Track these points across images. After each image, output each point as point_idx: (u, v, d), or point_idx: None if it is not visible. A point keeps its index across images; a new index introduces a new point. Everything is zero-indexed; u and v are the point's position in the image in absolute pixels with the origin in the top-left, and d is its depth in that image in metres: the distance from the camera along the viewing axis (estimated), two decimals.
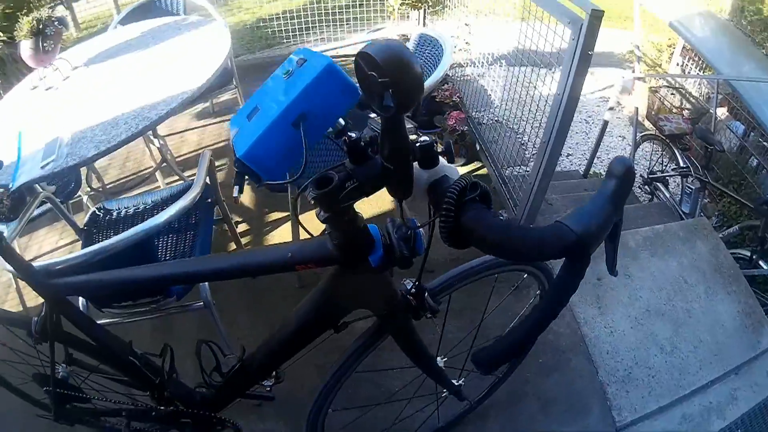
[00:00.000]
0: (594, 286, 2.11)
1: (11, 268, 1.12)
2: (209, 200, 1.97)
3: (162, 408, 1.42)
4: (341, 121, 0.83)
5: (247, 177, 0.84)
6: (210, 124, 3.33)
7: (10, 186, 1.53)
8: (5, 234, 1.84)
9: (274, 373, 1.37)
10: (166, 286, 1.55)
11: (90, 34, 3.91)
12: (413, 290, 1.07)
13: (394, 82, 0.64)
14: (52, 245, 2.75)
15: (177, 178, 2.75)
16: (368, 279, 1.00)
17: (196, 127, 3.32)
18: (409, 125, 0.80)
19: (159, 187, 2.75)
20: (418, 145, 0.77)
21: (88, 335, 1.30)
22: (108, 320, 1.71)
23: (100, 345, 1.34)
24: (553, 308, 0.75)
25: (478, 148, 2.74)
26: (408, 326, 1.19)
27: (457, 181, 0.71)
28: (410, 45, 2.08)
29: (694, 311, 2.06)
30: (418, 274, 1.04)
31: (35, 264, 1.31)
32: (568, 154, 4.26)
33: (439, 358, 1.39)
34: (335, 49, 3.74)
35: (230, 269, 1.02)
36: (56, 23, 1.90)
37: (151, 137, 2.56)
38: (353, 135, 0.78)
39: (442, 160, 0.82)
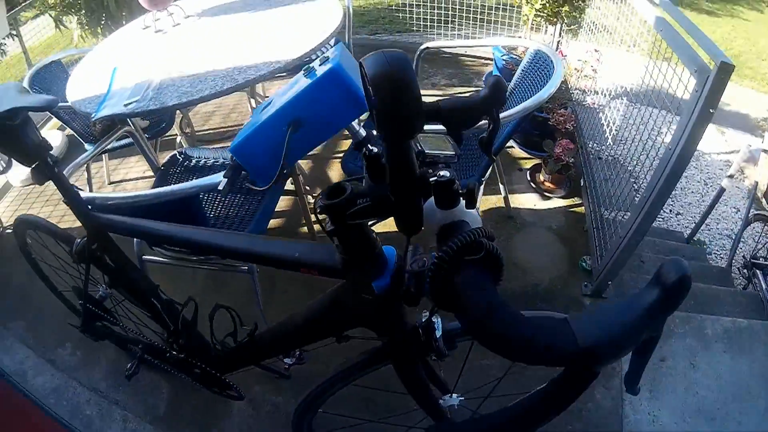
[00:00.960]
0: (655, 367, 1.90)
1: None
2: (284, 171, 1.99)
3: (173, 353, 1.47)
4: (362, 131, 0.76)
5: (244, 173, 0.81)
6: None
7: (93, 115, 1.64)
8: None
9: (297, 353, 1.35)
10: (183, 247, 1.58)
11: None
12: (425, 326, 0.96)
13: (383, 105, 0.56)
14: (137, 174, 2.97)
15: None
16: (373, 301, 0.92)
17: None
18: (447, 152, 0.70)
19: None
20: (434, 180, 0.67)
21: (120, 269, 1.37)
22: (156, 258, 1.79)
23: (129, 280, 1.41)
24: (538, 415, 0.65)
25: (582, 184, 2.56)
26: (411, 360, 1.09)
27: (465, 234, 0.62)
28: (525, 60, 1.96)
29: (745, 425, 1.79)
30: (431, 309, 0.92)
31: (95, 194, 1.41)
32: (678, 213, 3.88)
33: (451, 396, 1.29)
34: (460, 47, 3.67)
35: (235, 250, 0.99)
36: None
37: (250, 96, 2.64)
38: (374, 149, 0.71)
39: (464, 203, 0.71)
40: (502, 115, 1.58)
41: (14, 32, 3.35)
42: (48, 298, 1.87)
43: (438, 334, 0.94)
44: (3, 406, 2.08)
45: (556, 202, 2.41)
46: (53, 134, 3.39)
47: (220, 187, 0.88)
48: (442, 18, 3.67)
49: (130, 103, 1.62)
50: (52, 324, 2.14)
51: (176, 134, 2.86)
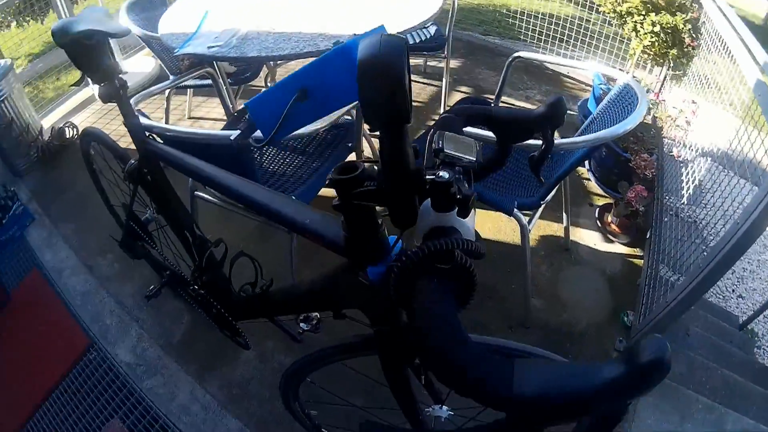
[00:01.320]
0: None
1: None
2: (349, 144, 2.02)
3: (195, 287, 1.52)
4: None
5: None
6: (416, 82, 3.33)
7: (176, 50, 1.71)
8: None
9: (314, 321, 1.35)
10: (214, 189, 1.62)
11: None
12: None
13: (362, 90, 0.53)
14: (218, 115, 3.07)
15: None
16: (367, 287, 0.88)
17: None
18: (469, 156, 0.68)
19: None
20: (431, 178, 0.63)
21: (163, 196, 1.43)
22: (206, 196, 1.85)
23: (170, 208, 1.46)
24: None
25: (647, 236, 2.43)
26: (396, 358, 1.04)
27: (443, 241, 0.59)
28: (612, 91, 1.88)
29: None
30: None
31: (152, 122, 1.48)
32: (740, 296, 3.62)
33: (441, 408, 1.26)
34: (555, 63, 3.57)
35: (253, 201, 0.99)
36: None
37: None
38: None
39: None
40: (570, 140, 1.52)
41: None
42: (101, 209, 1.97)
43: None
44: (33, 295, 2.23)
45: (617, 247, 2.30)
46: (146, 61, 3.56)
47: (232, 138, 0.88)
48: (555, 35, 3.59)
49: (213, 47, 1.68)
50: (100, 234, 2.26)
51: (261, 86, 2.93)
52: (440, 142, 0.66)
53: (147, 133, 1.32)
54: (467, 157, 0.65)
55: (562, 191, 2.01)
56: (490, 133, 0.69)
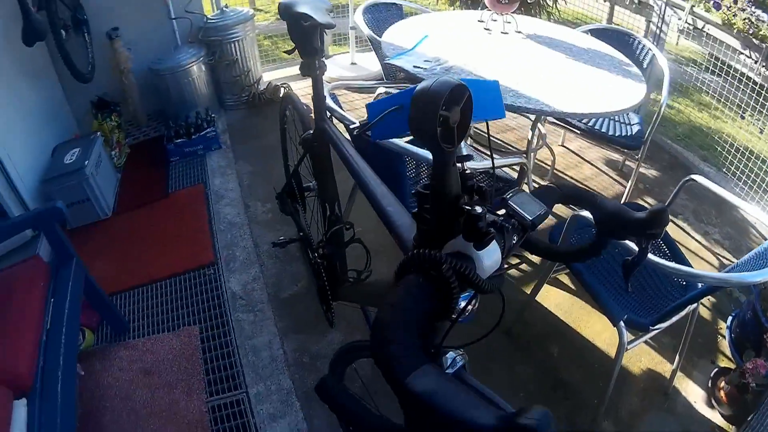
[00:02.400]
0: None
1: None
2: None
3: (314, 255, 1.71)
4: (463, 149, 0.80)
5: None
6: (607, 176, 3.13)
7: (387, 58, 1.95)
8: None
9: None
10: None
11: (559, 20, 4.15)
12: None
13: (411, 106, 0.60)
14: None
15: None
16: None
17: (585, 159, 3.25)
18: (526, 214, 0.70)
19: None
20: (468, 209, 0.65)
21: (321, 168, 1.64)
22: None
23: (323, 181, 1.67)
24: None
25: (749, 418, 2.12)
26: None
27: (446, 256, 0.59)
28: None
29: None
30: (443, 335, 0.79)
31: (335, 107, 1.71)
32: None
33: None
34: (739, 207, 3.13)
35: (369, 194, 1.12)
36: None
37: (541, 124, 2.67)
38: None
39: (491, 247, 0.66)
40: (688, 269, 1.43)
41: None
42: (278, 164, 2.25)
43: (446, 368, 0.90)
44: (189, 203, 2.65)
45: (715, 416, 2.01)
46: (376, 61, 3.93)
47: (351, 127, 0.98)
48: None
49: (418, 67, 1.88)
50: (267, 183, 2.60)
51: None
52: (512, 194, 0.71)
53: (328, 114, 1.53)
54: (525, 214, 0.69)
55: (685, 328, 1.85)
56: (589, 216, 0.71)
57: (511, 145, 3.16)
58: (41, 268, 1.68)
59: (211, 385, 1.81)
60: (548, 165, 2.91)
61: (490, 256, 0.64)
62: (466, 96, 0.61)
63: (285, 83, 3.52)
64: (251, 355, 1.90)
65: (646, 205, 2.95)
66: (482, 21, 2.35)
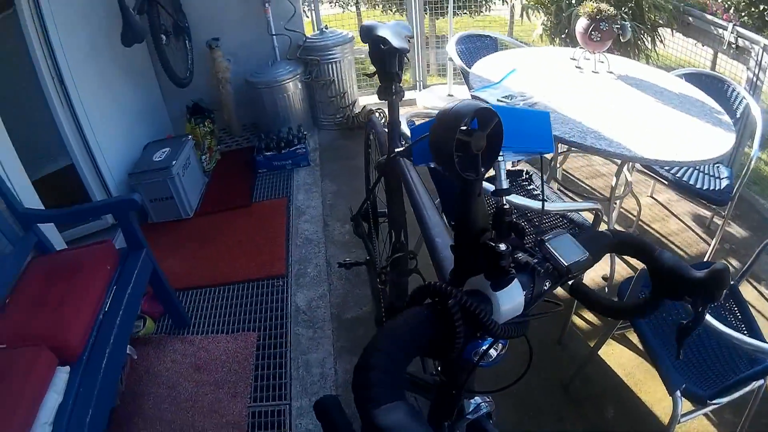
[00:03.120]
0: None
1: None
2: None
3: (377, 278, 1.71)
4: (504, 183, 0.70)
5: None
6: (693, 233, 2.88)
7: (473, 89, 1.92)
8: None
9: None
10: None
11: (657, 64, 3.94)
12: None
13: (432, 129, 0.57)
14: None
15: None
16: None
17: (673, 213, 3.10)
18: (562, 259, 0.65)
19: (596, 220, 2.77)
20: (492, 245, 0.60)
21: (391, 194, 1.63)
22: None
23: (392, 206, 1.65)
24: None
25: None
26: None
27: (467, 298, 0.55)
28: None
29: None
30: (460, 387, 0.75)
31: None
32: None
33: None
34: None
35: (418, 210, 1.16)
36: (619, 26, 2.06)
37: (628, 171, 2.57)
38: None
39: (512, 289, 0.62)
40: (753, 342, 1.31)
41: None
42: (361, 186, 2.23)
43: (467, 413, 0.84)
44: (269, 215, 2.73)
45: None
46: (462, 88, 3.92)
47: (397, 150, 0.96)
48: None
49: (501, 101, 1.85)
50: (348, 205, 2.62)
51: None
52: (552, 236, 0.66)
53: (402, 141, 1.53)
54: (560, 259, 0.63)
55: (749, 405, 1.65)
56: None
57: (597, 191, 3.02)
58: (111, 253, 1.81)
59: (257, 391, 1.84)
60: (634, 216, 2.75)
61: (509, 299, 0.59)
62: (494, 122, 0.58)
63: (380, 108, 3.58)
64: (302, 369, 1.91)
65: (732, 267, 2.72)
66: (575, 59, 2.28)
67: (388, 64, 1.44)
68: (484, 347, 0.63)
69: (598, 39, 2.07)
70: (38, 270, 1.76)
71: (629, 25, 2.22)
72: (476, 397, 0.84)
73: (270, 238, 2.57)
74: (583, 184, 3.08)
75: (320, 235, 2.58)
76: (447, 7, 3.80)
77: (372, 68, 1.48)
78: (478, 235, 0.62)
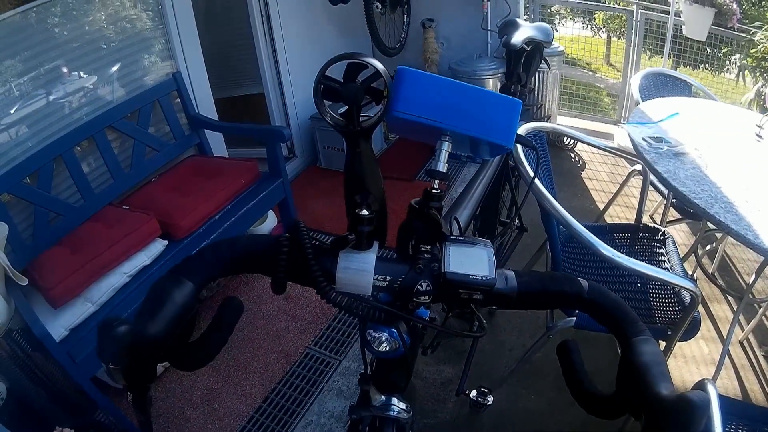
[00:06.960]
0: None
1: None
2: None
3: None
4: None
5: None
6: None
7: (626, 122, 1.76)
8: None
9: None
10: None
11: None
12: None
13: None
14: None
15: None
16: None
17: None
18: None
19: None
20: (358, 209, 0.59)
21: None
22: None
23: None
24: None
25: None
26: None
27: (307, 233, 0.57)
28: None
29: None
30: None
31: None
32: None
33: None
34: None
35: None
36: None
37: None
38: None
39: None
40: None
41: None
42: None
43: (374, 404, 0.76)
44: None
45: None
46: None
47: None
48: None
49: (645, 139, 1.69)
50: None
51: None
52: (463, 241, 0.60)
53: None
54: (444, 263, 0.56)
55: None
56: None
57: (757, 293, 2.28)
58: (251, 171, 2.11)
59: (322, 337, 2.00)
60: None
61: (349, 266, 0.56)
62: (367, 75, 0.59)
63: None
64: (322, 416, 1.78)
65: None
66: (760, 126, 1.95)
67: (513, 63, 1.40)
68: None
69: None
70: (190, 164, 2.14)
71: None
72: (394, 398, 0.76)
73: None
74: (740, 281, 2.42)
75: None
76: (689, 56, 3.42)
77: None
78: (352, 192, 0.62)
